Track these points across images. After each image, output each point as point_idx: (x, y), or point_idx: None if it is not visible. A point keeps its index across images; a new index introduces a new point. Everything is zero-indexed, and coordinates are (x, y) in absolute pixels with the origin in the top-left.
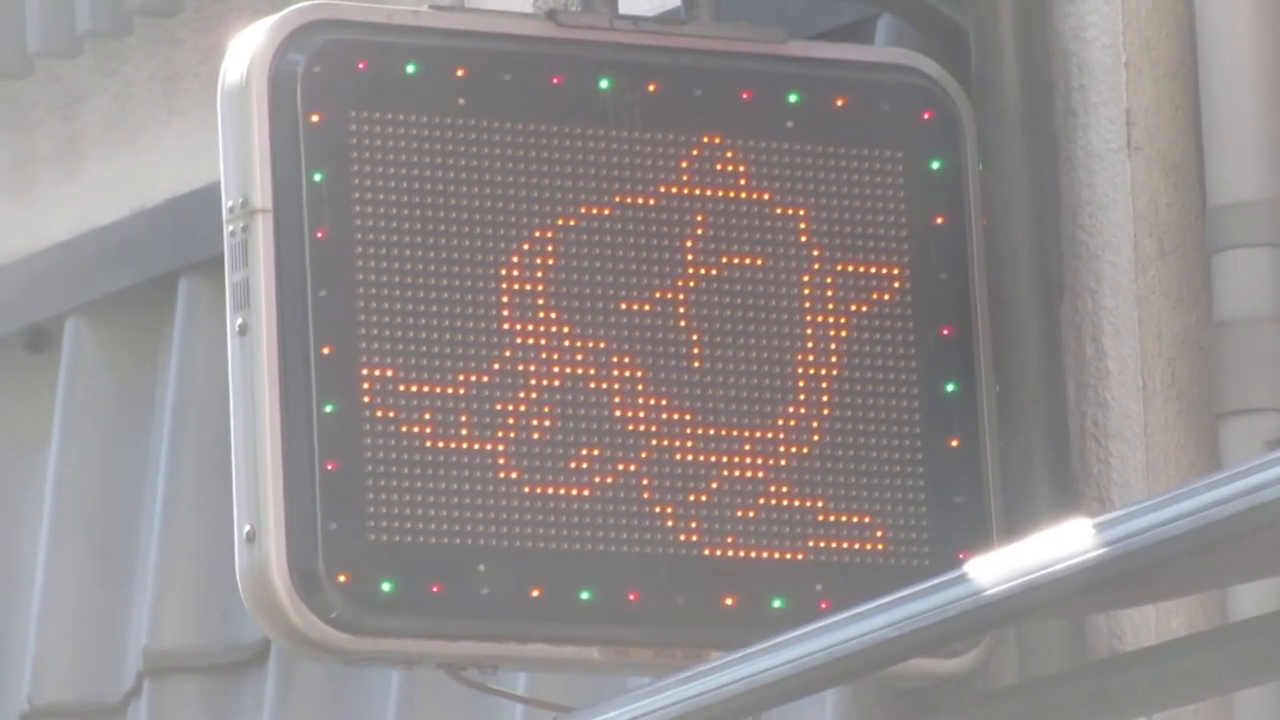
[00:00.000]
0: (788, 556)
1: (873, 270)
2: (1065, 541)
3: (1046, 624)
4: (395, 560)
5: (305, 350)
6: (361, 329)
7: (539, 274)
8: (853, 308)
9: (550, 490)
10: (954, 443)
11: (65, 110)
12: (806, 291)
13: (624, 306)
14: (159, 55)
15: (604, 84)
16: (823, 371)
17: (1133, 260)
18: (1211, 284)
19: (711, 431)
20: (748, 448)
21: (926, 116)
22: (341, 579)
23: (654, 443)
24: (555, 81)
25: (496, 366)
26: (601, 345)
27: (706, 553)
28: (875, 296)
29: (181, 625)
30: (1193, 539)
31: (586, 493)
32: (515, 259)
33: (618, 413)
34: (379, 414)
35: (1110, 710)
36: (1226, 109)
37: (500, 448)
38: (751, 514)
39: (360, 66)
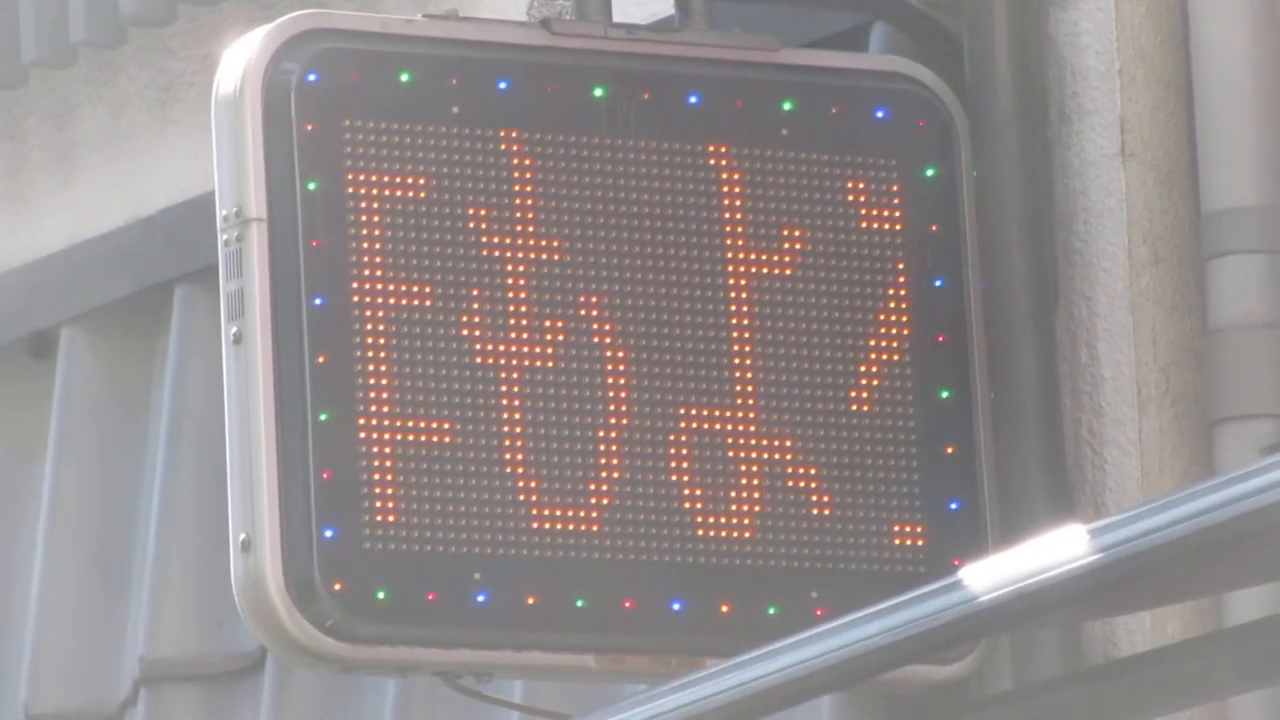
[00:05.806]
0: (783, 564)
1: (867, 278)
2: (1060, 548)
3: (1042, 630)
4: (390, 568)
5: (300, 359)
6: (356, 338)
7: (534, 282)
8: (847, 315)
9: (546, 498)
10: (949, 449)
11: (60, 119)
12: (800, 299)
13: (619, 314)
14: (153, 65)
15: (598, 92)
16: (818, 379)
17: (1127, 267)
18: (1206, 290)
19: (706, 440)
20: (742, 455)
21: (921, 124)
22: (337, 587)
23: (649, 451)
24: (550, 90)
25: (492, 375)
26: (597, 355)
27: (702, 560)
28: (870, 304)
29: (178, 634)
30: (1188, 545)
31: (582, 501)
32: (510, 267)
33: (613, 420)
34: (374, 422)
35: (1105, 716)
36: (1221, 115)
37: (495, 456)
38: (746, 521)
39: (354, 75)
